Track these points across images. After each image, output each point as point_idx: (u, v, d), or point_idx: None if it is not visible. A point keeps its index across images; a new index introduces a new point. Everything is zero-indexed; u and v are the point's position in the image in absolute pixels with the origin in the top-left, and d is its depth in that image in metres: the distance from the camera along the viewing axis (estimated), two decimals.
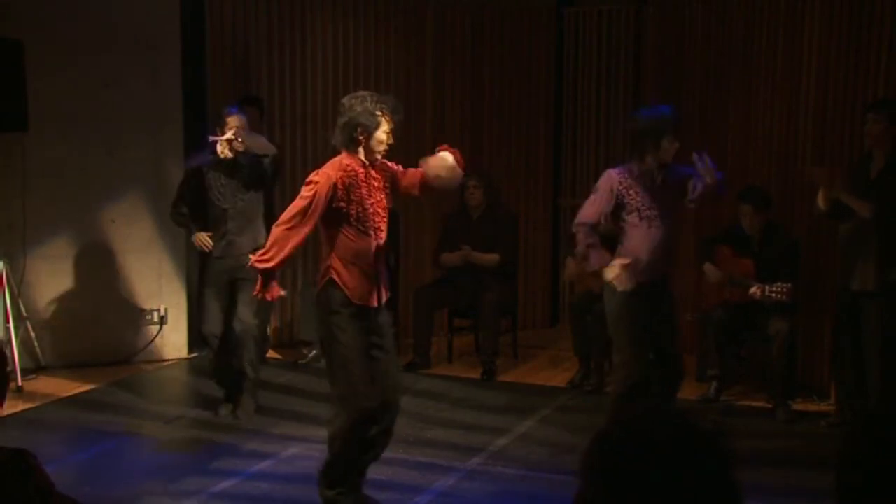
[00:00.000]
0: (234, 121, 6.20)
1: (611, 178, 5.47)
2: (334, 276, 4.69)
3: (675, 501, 1.53)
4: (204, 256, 6.47)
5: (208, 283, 6.42)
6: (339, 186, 4.63)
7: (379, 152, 4.72)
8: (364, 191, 4.69)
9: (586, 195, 8.47)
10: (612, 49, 8.68)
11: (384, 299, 4.84)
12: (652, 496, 1.53)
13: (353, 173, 4.67)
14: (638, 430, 1.60)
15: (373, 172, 4.74)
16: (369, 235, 4.70)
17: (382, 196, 4.76)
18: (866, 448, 1.73)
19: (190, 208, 6.49)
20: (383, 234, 4.77)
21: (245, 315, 6.32)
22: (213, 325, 6.39)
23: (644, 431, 1.59)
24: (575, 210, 8.76)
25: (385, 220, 4.79)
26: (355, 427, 4.71)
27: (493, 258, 7.61)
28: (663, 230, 5.43)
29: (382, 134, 4.68)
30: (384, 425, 4.85)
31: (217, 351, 6.43)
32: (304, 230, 4.64)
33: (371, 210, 4.69)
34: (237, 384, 6.44)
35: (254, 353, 6.44)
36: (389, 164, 4.86)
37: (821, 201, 5.94)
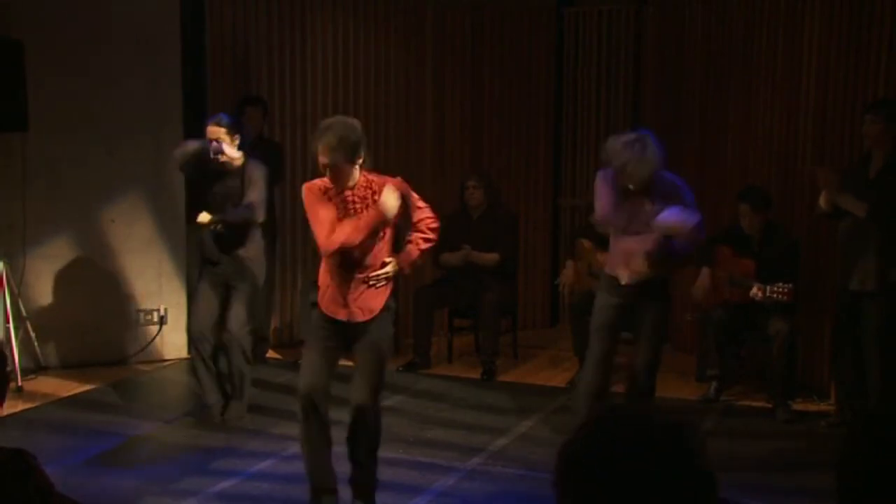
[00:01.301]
0: (212, 132, 6.05)
1: (605, 175, 5.50)
2: (317, 278, 4.90)
3: (646, 498, 1.54)
4: (204, 258, 6.45)
5: (203, 283, 6.39)
6: (323, 203, 4.69)
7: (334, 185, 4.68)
8: (342, 208, 4.68)
9: (586, 195, 8.58)
10: (612, 49, 8.68)
11: (362, 318, 4.78)
12: (623, 496, 1.53)
13: (330, 190, 4.69)
14: (597, 436, 1.61)
15: (352, 194, 4.69)
16: (341, 254, 4.70)
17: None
18: (866, 448, 1.73)
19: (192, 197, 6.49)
20: (359, 255, 4.70)
21: (234, 323, 6.27)
22: (200, 325, 6.33)
23: (604, 436, 1.60)
24: (574, 210, 8.88)
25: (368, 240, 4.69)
26: (302, 419, 4.84)
27: (493, 258, 7.61)
28: (637, 241, 5.45)
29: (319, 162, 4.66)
30: (354, 430, 4.86)
31: (207, 353, 6.35)
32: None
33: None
34: (226, 388, 6.42)
35: (242, 360, 6.34)
36: (401, 188, 4.76)
37: (823, 203, 5.95)
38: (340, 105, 8.02)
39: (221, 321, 6.34)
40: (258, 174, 6.20)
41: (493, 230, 7.68)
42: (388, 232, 4.81)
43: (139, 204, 7.63)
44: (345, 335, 4.82)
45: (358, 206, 4.70)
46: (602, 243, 7.25)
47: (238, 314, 6.29)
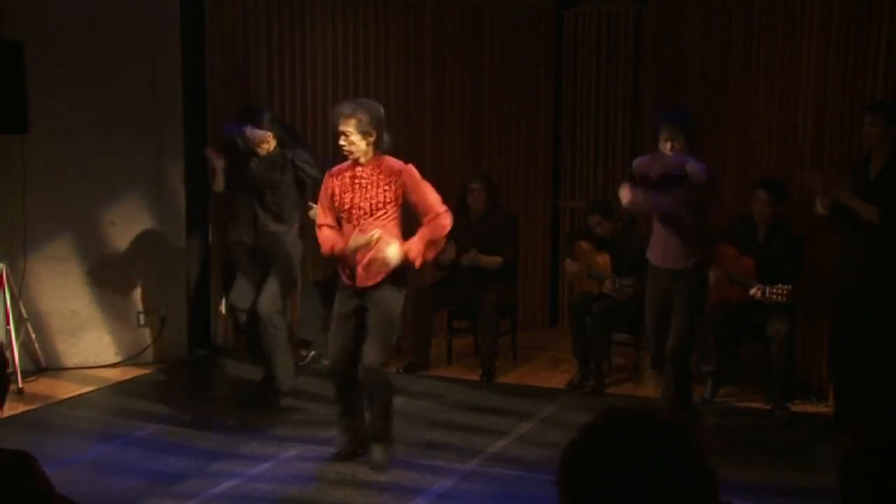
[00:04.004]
0: (258, 137, 6.54)
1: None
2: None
3: (648, 497, 1.55)
4: (236, 241, 6.87)
5: (240, 263, 6.83)
6: (336, 181, 5.43)
7: (344, 153, 5.36)
8: (349, 185, 5.38)
9: (586, 196, 8.60)
10: (611, 50, 8.67)
11: (365, 283, 5.36)
12: (625, 496, 1.54)
13: (346, 170, 5.42)
14: (600, 435, 1.62)
15: (362, 171, 5.37)
16: (350, 224, 5.39)
17: (372, 193, 5.35)
18: (867, 448, 1.74)
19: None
20: (370, 224, 5.33)
21: (264, 300, 6.59)
22: (240, 298, 6.74)
23: (606, 436, 1.61)
24: (574, 211, 8.88)
25: (371, 214, 5.34)
26: (333, 389, 5.64)
27: (496, 261, 7.60)
28: (672, 224, 6.09)
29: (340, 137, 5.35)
30: (368, 390, 5.53)
31: (247, 327, 6.80)
32: (326, 221, 5.49)
33: (349, 205, 5.38)
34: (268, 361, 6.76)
35: (270, 338, 6.65)
36: (396, 167, 5.37)
37: (820, 207, 5.96)
38: None
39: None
40: (303, 152, 6.73)
41: (493, 232, 7.68)
42: (393, 212, 5.35)
43: (139, 205, 7.63)
44: (356, 299, 5.42)
45: (364, 182, 5.35)
46: (601, 245, 7.27)
47: (269, 291, 6.60)
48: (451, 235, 7.61)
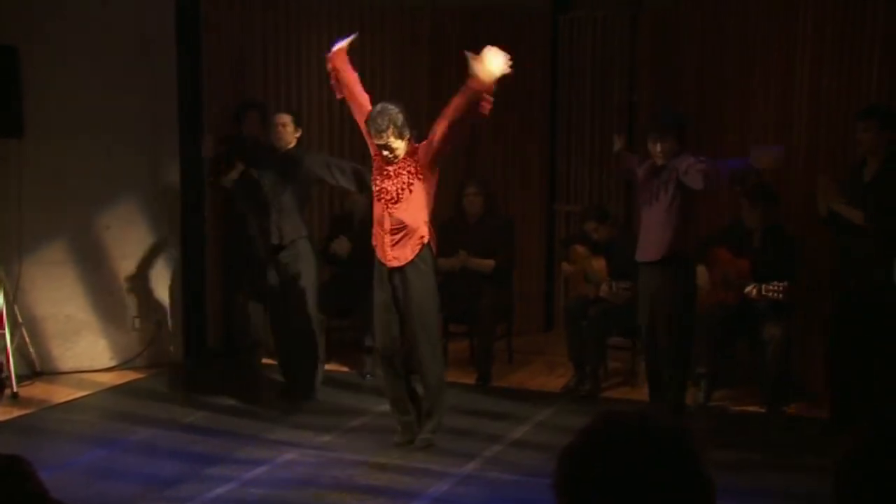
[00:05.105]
0: (280, 117, 6.81)
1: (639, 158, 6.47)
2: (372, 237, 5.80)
3: (645, 500, 1.55)
4: (245, 249, 7.21)
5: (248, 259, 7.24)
6: (377, 154, 5.67)
7: (384, 157, 5.63)
8: (382, 171, 5.66)
9: (582, 201, 8.61)
10: (607, 55, 8.67)
11: (398, 263, 5.64)
12: (622, 499, 1.54)
13: (379, 158, 5.67)
14: (598, 439, 1.62)
15: (392, 166, 5.62)
16: (380, 203, 5.68)
17: (397, 181, 5.61)
18: (867, 448, 1.74)
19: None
20: (396, 210, 5.61)
21: (298, 312, 6.75)
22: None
23: (604, 440, 1.61)
24: (570, 215, 8.89)
25: (399, 199, 5.60)
26: (381, 363, 5.96)
27: (489, 264, 7.60)
28: (651, 213, 6.12)
29: (375, 147, 5.64)
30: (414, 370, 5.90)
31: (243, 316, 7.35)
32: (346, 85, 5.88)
33: (379, 188, 5.67)
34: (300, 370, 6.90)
35: (306, 349, 6.84)
36: (414, 148, 5.65)
37: (821, 209, 5.98)
38: (336, 111, 8.03)
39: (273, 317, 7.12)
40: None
41: (490, 236, 7.68)
42: (419, 188, 5.59)
43: (135, 209, 7.63)
44: (391, 279, 5.70)
45: (392, 172, 5.61)
46: (597, 249, 7.27)
47: (301, 303, 6.74)
48: (449, 241, 7.67)
